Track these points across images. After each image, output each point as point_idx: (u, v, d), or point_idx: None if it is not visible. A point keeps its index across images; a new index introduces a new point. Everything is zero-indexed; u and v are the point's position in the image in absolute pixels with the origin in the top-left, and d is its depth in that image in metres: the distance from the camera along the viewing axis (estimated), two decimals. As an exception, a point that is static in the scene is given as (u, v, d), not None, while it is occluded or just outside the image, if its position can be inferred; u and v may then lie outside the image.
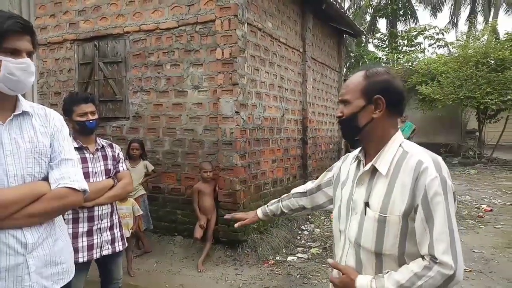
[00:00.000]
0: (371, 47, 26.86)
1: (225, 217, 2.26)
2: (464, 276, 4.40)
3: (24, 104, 1.63)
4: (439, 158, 1.39)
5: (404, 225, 1.35)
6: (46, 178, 1.61)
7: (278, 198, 2.15)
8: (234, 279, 4.51)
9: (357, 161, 1.57)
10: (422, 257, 1.32)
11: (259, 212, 2.16)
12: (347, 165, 1.68)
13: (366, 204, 1.43)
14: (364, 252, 1.43)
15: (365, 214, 1.43)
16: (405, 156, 1.41)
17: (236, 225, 2.15)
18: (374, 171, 1.46)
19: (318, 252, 5.34)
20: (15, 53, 1.48)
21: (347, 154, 1.78)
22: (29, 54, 1.54)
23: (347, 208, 1.54)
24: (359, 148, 1.62)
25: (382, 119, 1.45)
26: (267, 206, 2.16)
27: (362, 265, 1.44)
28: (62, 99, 6.15)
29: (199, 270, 4.74)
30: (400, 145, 1.45)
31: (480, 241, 5.71)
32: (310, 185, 2.02)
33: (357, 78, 1.49)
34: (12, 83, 1.50)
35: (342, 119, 1.52)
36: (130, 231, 4.16)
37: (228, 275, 4.62)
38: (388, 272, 1.35)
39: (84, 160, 2.63)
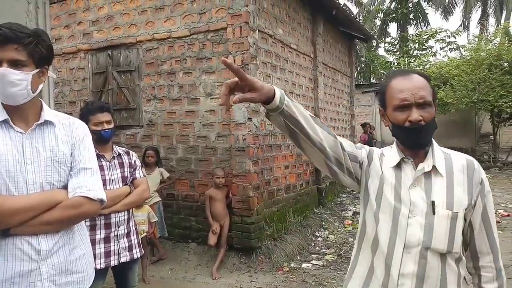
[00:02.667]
0: (381, 52, 26.78)
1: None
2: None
3: (48, 114, 1.66)
4: None
5: (464, 221, 1.43)
6: (66, 187, 1.63)
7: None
8: (248, 286, 4.50)
9: (396, 162, 1.50)
10: (477, 265, 1.49)
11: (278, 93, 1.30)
12: (376, 164, 1.56)
13: (433, 204, 1.41)
14: (433, 254, 1.39)
15: (434, 213, 1.40)
16: (448, 156, 1.50)
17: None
18: (428, 171, 1.45)
19: (333, 258, 5.30)
20: None
21: (370, 147, 1.64)
22: (15, 63, 1.50)
23: (394, 213, 1.45)
24: (378, 150, 1.59)
25: None
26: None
27: (425, 270, 1.39)
28: (77, 108, 6.27)
29: (214, 277, 4.74)
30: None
31: (497, 246, 5.62)
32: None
33: (422, 79, 1.45)
34: None
35: (422, 124, 1.40)
36: (145, 234, 4.18)
37: (242, 282, 4.61)
38: None
39: (100, 168, 2.65)
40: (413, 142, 1.46)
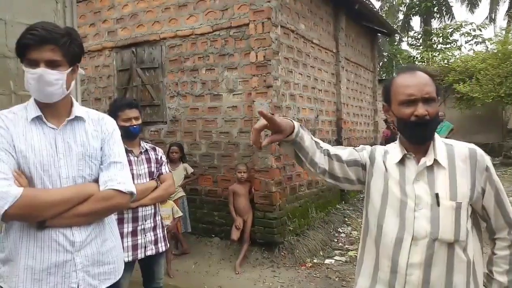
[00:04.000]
0: (404, 46, 26.33)
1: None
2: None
3: (78, 110, 1.71)
4: None
5: (467, 211, 1.46)
6: (96, 180, 1.68)
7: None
8: (271, 281, 4.53)
9: (399, 159, 1.55)
10: (493, 237, 1.55)
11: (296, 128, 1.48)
12: (379, 163, 1.62)
13: (437, 196, 1.46)
14: (440, 244, 1.44)
15: (438, 205, 1.45)
16: (450, 148, 1.53)
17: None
18: (430, 165, 1.50)
19: (356, 255, 5.24)
20: (33, 63, 1.54)
21: (373, 147, 1.71)
22: (51, 63, 1.55)
23: (401, 206, 1.51)
24: (382, 147, 1.67)
25: None
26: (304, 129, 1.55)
27: (432, 260, 1.44)
28: (102, 105, 6.40)
29: (237, 272, 4.79)
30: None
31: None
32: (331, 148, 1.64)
33: (426, 76, 1.51)
34: (33, 92, 1.58)
35: (427, 119, 1.45)
36: (167, 226, 4.22)
37: (265, 277, 4.64)
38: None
39: (129, 163, 2.69)
40: (418, 136, 1.51)
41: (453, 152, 1.52)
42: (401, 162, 1.55)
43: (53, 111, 1.63)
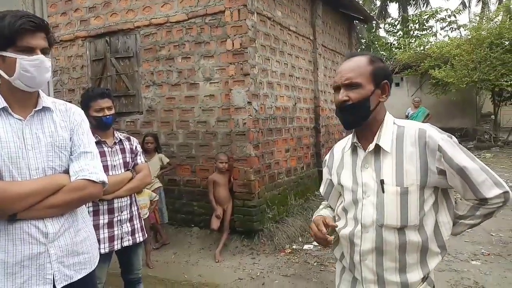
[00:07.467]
0: (382, 33, 26.53)
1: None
2: (483, 260, 4.40)
3: (45, 100, 1.68)
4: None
5: (422, 193, 1.43)
6: (67, 171, 1.66)
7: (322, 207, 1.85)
8: (251, 268, 4.56)
9: (351, 148, 1.59)
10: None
11: None
12: (337, 159, 1.69)
13: (382, 182, 1.45)
14: (388, 230, 1.44)
15: (383, 192, 1.45)
16: (402, 130, 1.50)
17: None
18: (377, 151, 1.50)
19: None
20: (28, 50, 1.52)
21: (332, 147, 1.79)
22: (44, 51, 1.57)
23: (353, 195, 1.54)
24: (345, 139, 1.71)
25: (382, 103, 1.53)
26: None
27: (383, 245, 1.45)
28: (76, 96, 6.26)
29: (217, 260, 4.80)
30: (394, 123, 1.54)
31: (497, 224, 5.66)
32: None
33: (362, 63, 1.50)
34: (27, 80, 1.54)
35: (349, 104, 1.47)
36: (147, 213, 4.18)
37: (245, 264, 4.67)
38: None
39: (102, 154, 2.67)
40: (344, 121, 1.54)
41: (403, 135, 1.48)
42: (354, 151, 1.58)
43: (19, 102, 1.60)
